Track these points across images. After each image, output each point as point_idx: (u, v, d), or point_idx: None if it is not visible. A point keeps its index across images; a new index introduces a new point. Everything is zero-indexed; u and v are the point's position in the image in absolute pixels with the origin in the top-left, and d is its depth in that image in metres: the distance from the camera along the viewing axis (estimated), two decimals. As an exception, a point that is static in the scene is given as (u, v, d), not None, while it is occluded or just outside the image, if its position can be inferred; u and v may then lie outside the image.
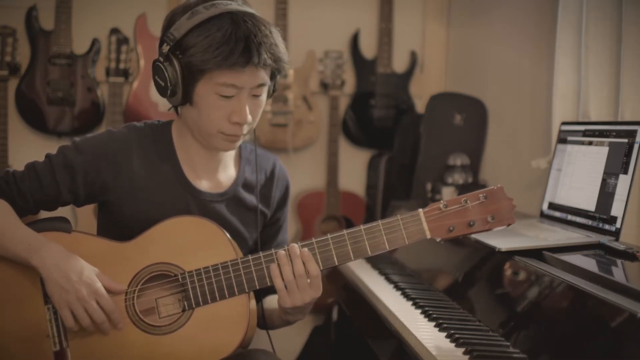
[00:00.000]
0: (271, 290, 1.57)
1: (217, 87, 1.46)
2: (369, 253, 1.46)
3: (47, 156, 1.55)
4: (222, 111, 1.49)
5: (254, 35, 1.45)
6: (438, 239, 1.46)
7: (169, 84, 1.48)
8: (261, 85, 1.50)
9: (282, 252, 1.46)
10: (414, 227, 1.46)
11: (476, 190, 1.47)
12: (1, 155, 2.81)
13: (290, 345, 3.05)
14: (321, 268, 1.47)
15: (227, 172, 1.64)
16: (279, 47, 1.49)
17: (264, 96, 1.54)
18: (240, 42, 1.43)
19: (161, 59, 1.49)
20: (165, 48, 1.48)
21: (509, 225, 1.46)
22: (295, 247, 1.46)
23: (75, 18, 2.91)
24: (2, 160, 2.81)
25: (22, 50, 2.89)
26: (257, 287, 1.48)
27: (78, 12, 2.92)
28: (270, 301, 1.66)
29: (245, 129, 1.52)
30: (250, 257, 1.48)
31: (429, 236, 1.46)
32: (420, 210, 1.46)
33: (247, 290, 1.48)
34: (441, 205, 1.45)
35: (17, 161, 2.87)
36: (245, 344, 1.51)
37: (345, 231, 1.47)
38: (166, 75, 1.48)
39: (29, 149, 2.91)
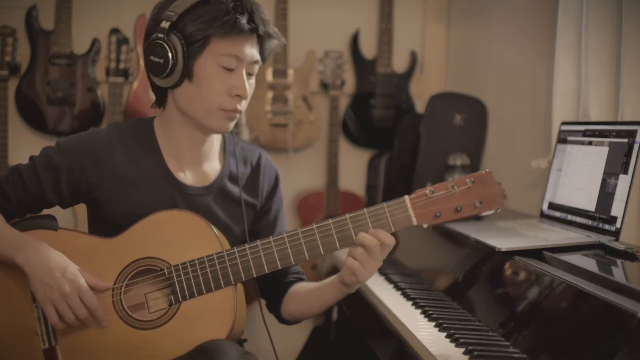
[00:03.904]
0: (286, 277, 1.65)
1: (221, 57, 1.50)
2: (355, 241, 1.47)
3: (31, 158, 1.57)
4: (223, 84, 1.51)
5: (256, 10, 1.52)
6: (425, 225, 1.47)
7: (170, 60, 1.49)
8: (256, 62, 1.54)
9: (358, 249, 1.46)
10: (400, 214, 1.46)
11: (464, 176, 1.46)
12: (1, 155, 2.81)
13: (290, 345, 3.05)
14: (307, 258, 1.48)
15: (212, 165, 1.65)
16: (274, 28, 1.57)
17: (254, 79, 1.58)
18: (245, 12, 1.50)
19: (160, 36, 1.49)
20: (165, 24, 1.48)
21: (497, 210, 1.46)
22: (378, 230, 1.45)
23: (75, 18, 2.91)
24: (2, 160, 2.81)
25: (22, 50, 2.89)
26: (244, 279, 1.50)
27: (78, 12, 2.92)
28: (306, 287, 1.67)
29: (243, 105, 1.55)
30: (235, 249, 1.50)
31: (415, 223, 1.46)
32: (406, 196, 1.47)
33: (232, 282, 1.49)
34: (427, 192, 1.45)
35: (17, 161, 2.82)
36: (233, 336, 1.51)
37: (330, 220, 1.49)
38: (167, 49, 1.48)
39: (28, 149, 2.87)
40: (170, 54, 1.48)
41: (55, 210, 1.60)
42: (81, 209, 1.64)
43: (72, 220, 2.80)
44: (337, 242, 1.48)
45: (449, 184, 1.45)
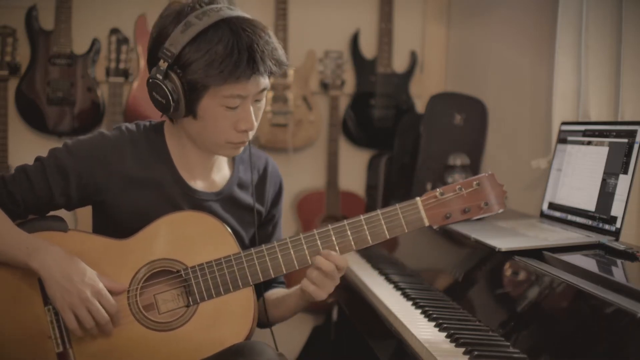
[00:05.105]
0: (271, 284, 1.65)
1: (224, 99, 1.45)
2: (370, 242, 1.50)
3: (38, 159, 1.54)
4: (229, 121, 1.48)
5: (256, 44, 1.42)
6: (435, 227, 1.49)
7: (171, 101, 1.45)
8: (263, 90, 1.49)
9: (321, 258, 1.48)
10: (413, 215, 1.49)
11: (469, 178, 1.51)
12: (1, 155, 2.81)
13: (290, 345, 3.05)
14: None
15: (222, 172, 1.64)
16: (278, 51, 1.48)
17: (264, 100, 1.53)
18: (244, 53, 1.41)
19: (159, 77, 1.45)
20: (164, 65, 1.44)
21: (500, 211, 1.50)
22: (332, 253, 1.48)
23: (75, 18, 2.91)
24: (2, 160, 2.81)
25: (22, 50, 2.89)
26: (262, 280, 1.50)
27: (78, 12, 2.92)
28: (276, 293, 1.68)
29: (251, 134, 1.52)
30: (253, 250, 1.50)
31: (427, 224, 1.49)
32: (418, 198, 1.50)
33: (251, 283, 1.50)
34: (437, 194, 1.49)
35: (17, 161, 2.84)
36: (249, 337, 1.51)
37: (346, 221, 1.50)
38: (167, 92, 1.44)
39: (29, 149, 2.90)
40: (170, 97, 1.45)
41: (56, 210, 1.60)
42: (81, 209, 1.63)
43: (72, 221, 2.80)
44: (352, 244, 1.50)
45: (457, 186, 1.50)
